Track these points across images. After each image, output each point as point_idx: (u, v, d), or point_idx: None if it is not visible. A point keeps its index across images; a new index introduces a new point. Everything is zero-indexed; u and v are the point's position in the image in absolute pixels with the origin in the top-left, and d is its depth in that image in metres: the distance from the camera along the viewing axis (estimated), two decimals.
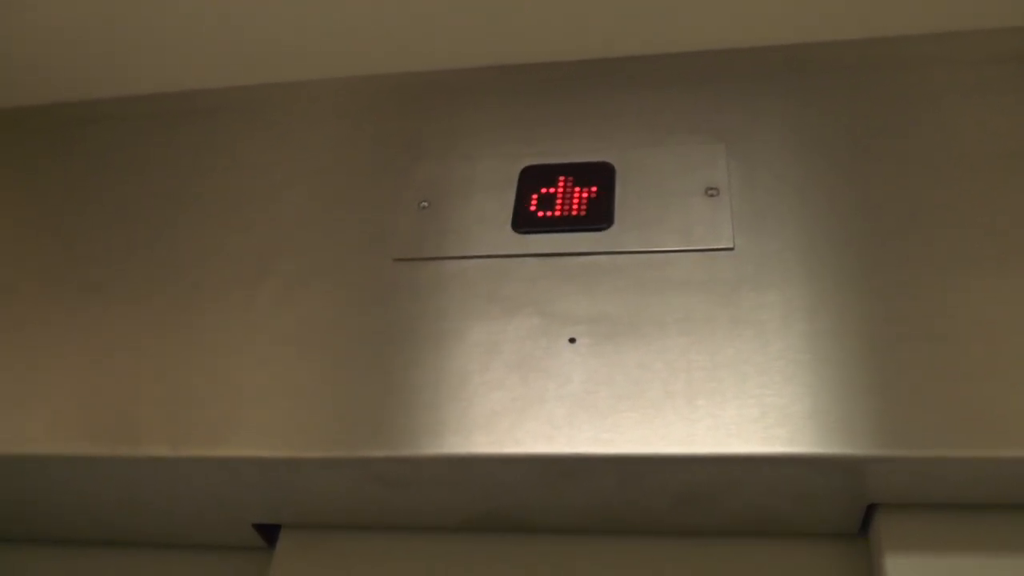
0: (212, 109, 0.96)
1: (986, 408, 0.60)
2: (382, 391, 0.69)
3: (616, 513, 0.68)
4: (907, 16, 0.84)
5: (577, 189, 0.78)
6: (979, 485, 0.61)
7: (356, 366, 0.71)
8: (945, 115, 0.78)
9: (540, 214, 0.77)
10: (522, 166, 0.81)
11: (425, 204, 0.80)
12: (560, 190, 0.78)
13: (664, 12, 0.86)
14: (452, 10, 0.88)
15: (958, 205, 0.71)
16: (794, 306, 0.68)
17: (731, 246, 0.72)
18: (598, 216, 0.76)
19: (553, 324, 0.70)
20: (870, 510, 0.65)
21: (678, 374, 0.65)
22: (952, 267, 0.68)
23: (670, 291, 0.70)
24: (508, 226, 0.77)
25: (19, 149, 0.99)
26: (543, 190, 0.79)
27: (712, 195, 0.75)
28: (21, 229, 0.90)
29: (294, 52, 0.94)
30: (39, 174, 0.95)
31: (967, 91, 0.79)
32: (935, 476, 0.61)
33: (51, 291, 0.83)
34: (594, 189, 0.78)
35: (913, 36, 0.85)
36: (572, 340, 0.68)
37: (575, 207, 0.77)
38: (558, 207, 0.77)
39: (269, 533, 0.76)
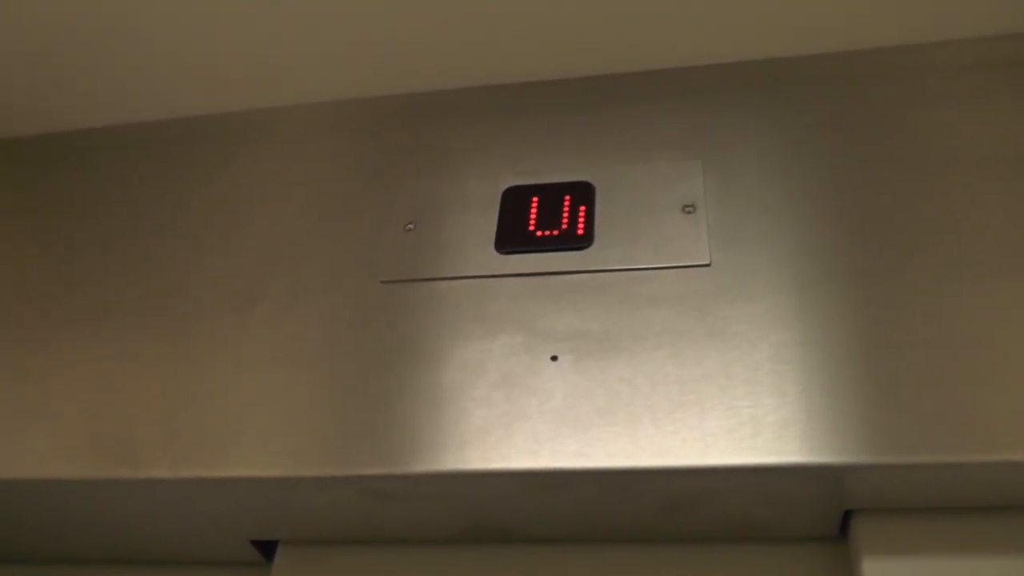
0: (202, 136, 0.97)
1: (961, 414, 0.62)
2: (373, 410, 0.70)
3: (602, 522, 0.70)
4: (884, 27, 0.85)
5: (558, 208, 0.79)
6: (954, 489, 0.63)
7: (347, 386, 0.72)
8: (928, 123, 0.79)
9: (522, 234, 0.79)
10: (504, 186, 0.82)
11: (410, 226, 0.82)
12: (541, 210, 0.80)
13: (641, 30, 0.87)
14: (434, 33, 0.89)
15: (938, 213, 0.72)
16: (770, 318, 0.69)
17: (707, 262, 0.73)
18: (579, 235, 0.77)
19: (536, 342, 0.71)
20: (847, 515, 0.66)
21: (658, 387, 0.67)
22: (934, 277, 0.69)
23: (649, 307, 0.72)
24: (492, 246, 0.78)
25: (18, 178, 1.00)
26: (524, 210, 0.80)
27: (689, 212, 0.77)
28: (20, 256, 0.92)
29: (279, 78, 0.96)
30: (37, 202, 0.97)
31: (948, 99, 0.80)
32: (911, 481, 0.63)
33: (50, 316, 0.84)
34: (575, 208, 0.79)
35: (891, 47, 0.85)
36: (554, 358, 0.70)
37: (556, 226, 0.78)
38: (540, 227, 0.79)
39: (267, 549, 0.78)
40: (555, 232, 0.78)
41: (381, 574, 0.74)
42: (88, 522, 0.78)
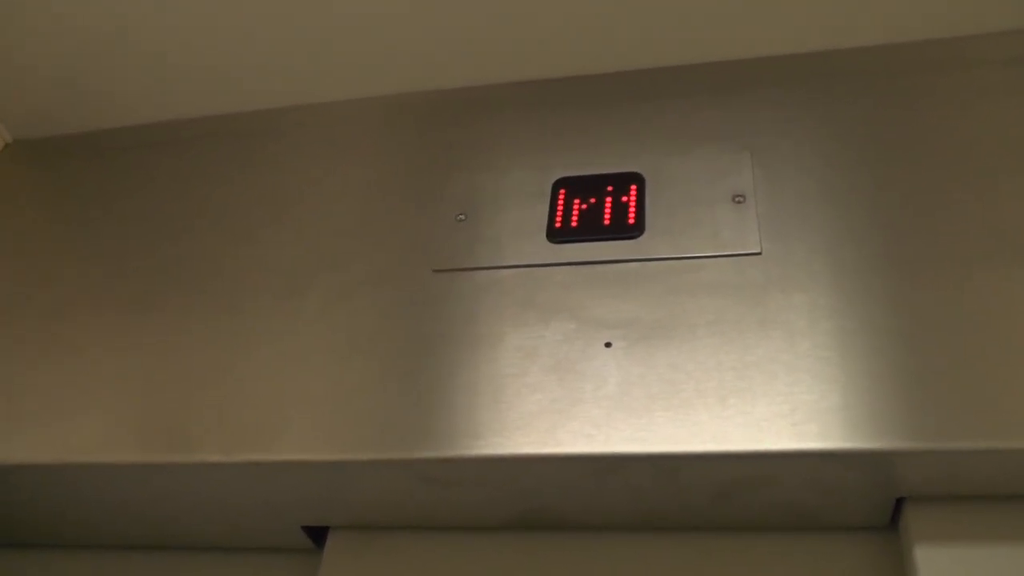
0: (253, 131, 0.99)
1: (1013, 400, 0.62)
2: (425, 395, 0.71)
3: (654, 510, 0.70)
4: (928, 20, 0.85)
5: (608, 199, 0.80)
6: (1007, 476, 0.63)
7: (400, 372, 0.73)
8: (967, 117, 0.79)
9: (573, 224, 0.79)
10: (554, 178, 0.83)
11: (462, 217, 0.83)
12: (592, 200, 0.80)
13: (687, 24, 0.88)
14: (485, 28, 0.90)
15: (983, 203, 0.73)
16: (820, 306, 0.69)
17: (758, 250, 0.74)
18: (629, 224, 0.78)
19: (588, 329, 0.72)
20: (899, 503, 0.66)
21: (710, 374, 0.67)
22: (977, 264, 0.69)
23: (700, 295, 0.72)
24: (542, 236, 0.79)
25: (70, 173, 1.02)
26: (575, 200, 0.81)
27: (739, 202, 0.77)
28: (73, 250, 0.93)
29: (331, 74, 0.97)
30: (89, 198, 0.98)
31: (988, 93, 0.81)
32: (963, 468, 0.62)
33: (104, 307, 0.86)
34: (625, 198, 0.80)
35: (934, 40, 0.86)
36: (608, 344, 0.71)
37: (607, 216, 0.79)
38: (590, 217, 0.79)
39: (318, 535, 0.79)
40: (606, 222, 0.79)
41: (432, 560, 0.75)
42: (139, 507, 0.79)
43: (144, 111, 1.03)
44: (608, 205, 0.80)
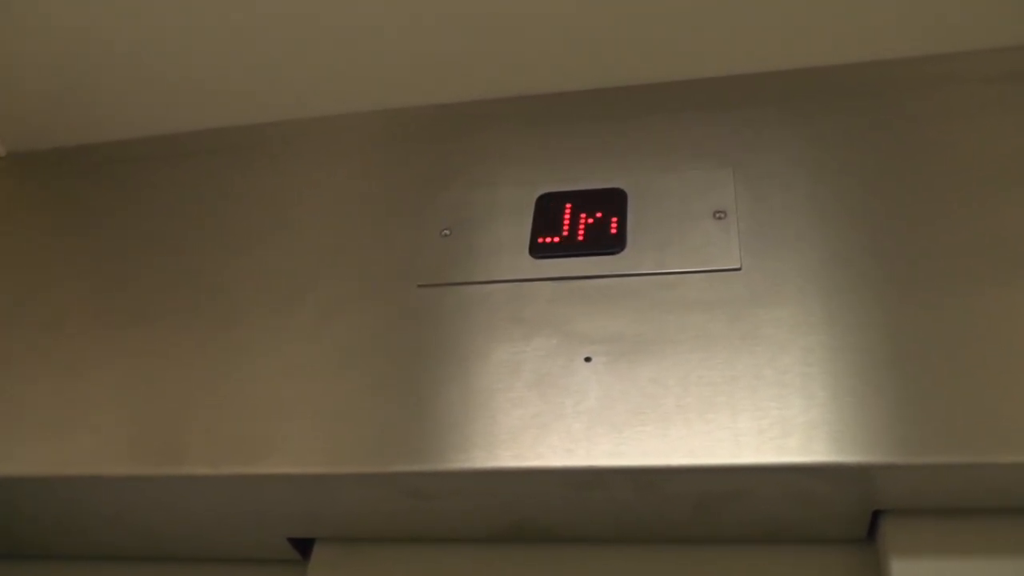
0: (245, 145, 0.99)
1: (989, 415, 0.62)
2: (411, 410, 0.72)
3: (635, 523, 0.71)
4: (913, 38, 0.86)
5: (591, 215, 0.81)
6: (983, 490, 0.64)
7: (386, 387, 0.74)
8: (956, 132, 0.79)
9: (556, 240, 0.80)
10: (538, 194, 0.84)
11: (447, 232, 0.83)
12: (575, 216, 0.81)
13: (672, 41, 0.88)
14: (470, 44, 0.91)
15: (966, 220, 0.73)
16: (800, 321, 0.70)
17: (738, 266, 0.74)
18: (611, 240, 0.79)
19: (571, 344, 0.73)
20: (876, 515, 0.67)
21: (690, 389, 0.68)
22: (955, 281, 0.70)
23: (681, 310, 0.73)
24: (526, 252, 0.80)
25: (64, 188, 1.03)
26: (559, 216, 0.81)
27: (720, 218, 0.78)
28: (67, 260, 0.94)
29: (318, 90, 0.98)
30: (82, 212, 0.99)
31: (974, 109, 0.81)
32: (940, 482, 0.63)
33: (98, 321, 0.87)
34: (607, 214, 0.81)
35: (918, 57, 0.86)
36: (588, 359, 0.71)
37: (590, 232, 0.80)
38: (573, 232, 0.80)
39: (303, 546, 0.79)
40: (588, 238, 0.80)
41: (416, 572, 0.75)
42: (129, 519, 0.80)
43: (138, 125, 1.04)
44: (591, 221, 0.80)
